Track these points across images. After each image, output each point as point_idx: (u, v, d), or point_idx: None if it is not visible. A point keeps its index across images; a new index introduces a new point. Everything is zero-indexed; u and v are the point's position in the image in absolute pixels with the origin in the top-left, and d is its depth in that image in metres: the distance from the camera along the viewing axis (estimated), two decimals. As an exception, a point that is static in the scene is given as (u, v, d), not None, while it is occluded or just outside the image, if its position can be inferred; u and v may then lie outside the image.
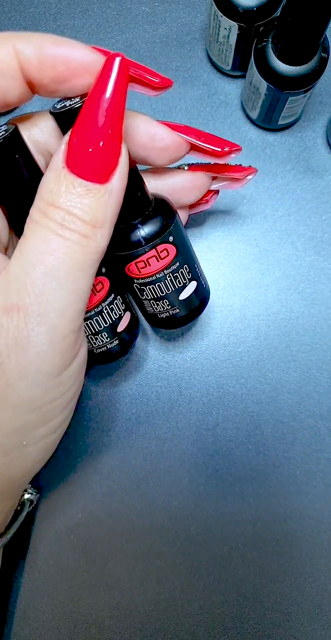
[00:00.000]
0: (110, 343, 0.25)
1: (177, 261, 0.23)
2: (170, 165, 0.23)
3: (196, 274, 0.24)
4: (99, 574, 0.30)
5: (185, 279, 0.24)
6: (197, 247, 0.30)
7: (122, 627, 0.30)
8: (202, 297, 0.25)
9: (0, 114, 0.32)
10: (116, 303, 0.24)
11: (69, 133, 0.17)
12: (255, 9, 0.27)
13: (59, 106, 0.19)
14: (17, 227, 0.21)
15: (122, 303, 0.25)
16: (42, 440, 0.20)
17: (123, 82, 0.17)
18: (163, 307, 0.24)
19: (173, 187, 0.24)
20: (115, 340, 0.25)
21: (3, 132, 0.19)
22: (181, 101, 0.33)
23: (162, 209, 0.23)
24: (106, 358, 0.25)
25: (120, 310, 0.24)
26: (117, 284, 0.24)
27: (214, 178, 0.26)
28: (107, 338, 0.24)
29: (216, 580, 0.30)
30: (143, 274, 0.23)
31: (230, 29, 0.28)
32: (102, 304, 0.23)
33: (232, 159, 0.23)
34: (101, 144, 0.17)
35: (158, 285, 0.23)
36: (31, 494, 0.28)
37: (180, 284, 0.24)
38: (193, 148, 0.23)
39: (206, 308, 0.26)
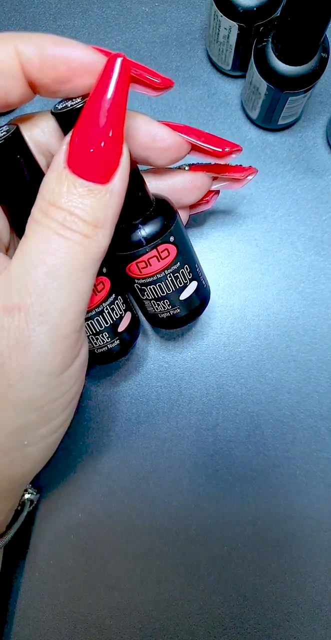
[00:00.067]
0: (111, 343, 0.25)
1: (177, 261, 0.23)
2: (170, 165, 0.23)
3: (197, 274, 0.24)
4: (99, 574, 0.30)
5: (185, 279, 0.24)
6: (197, 247, 0.30)
7: (122, 627, 0.30)
8: (202, 297, 0.25)
9: (1, 114, 0.32)
10: (117, 303, 0.24)
11: (70, 133, 0.17)
12: (255, 9, 0.27)
13: (60, 106, 0.19)
14: (18, 227, 0.21)
15: (122, 303, 0.25)
16: (43, 440, 0.20)
17: (125, 83, 0.17)
18: (164, 307, 0.24)
19: (174, 187, 0.24)
20: (116, 340, 0.25)
21: (4, 133, 0.19)
22: (181, 101, 0.33)
23: (163, 209, 0.23)
24: (107, 358, 0.25)
25: (121, 310, 0.24)
26: (118, 284, 0.24)
27: (215, 178, 0.26)
28: (107, 338, 0.24)
29: (216, 580, 0.30)
30: (144, 274, 0.23)
31: (230, 29, 0.28)
32: (103, 304, 0.23)
33: (233, 159, 0.23)
34: (102, 144, 0.17)
35: (159, 285, 0.23)
36: (31, 494, 0.28)
37: (180, 284, 0.24)
38: (194, 148, 0.23)
39: (206, 308, 0.26)
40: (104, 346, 0.25)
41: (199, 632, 0.29)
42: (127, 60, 0.17)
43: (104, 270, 0.23)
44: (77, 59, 0.17)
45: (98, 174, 0.17)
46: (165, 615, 0.30)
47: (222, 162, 0.24)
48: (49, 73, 0.18)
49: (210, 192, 0.26)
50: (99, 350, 0.25)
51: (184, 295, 0.24)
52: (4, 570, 0.30)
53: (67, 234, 0.17)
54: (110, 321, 0.24)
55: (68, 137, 0.17)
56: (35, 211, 0.17)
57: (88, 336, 0.24)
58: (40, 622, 0.30)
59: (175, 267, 0.23)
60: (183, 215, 0.26)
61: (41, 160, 0.21)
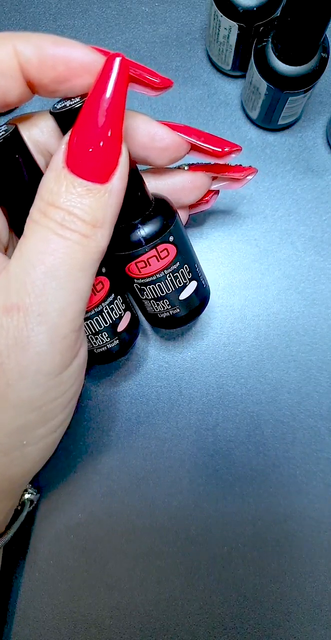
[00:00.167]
0: (111, 343, 0.25)
1: (177, 261, 0.23)
2: (170, 165, 0.23)
3: (196, 274, 0.24)
4: (99, 574, 0.30)
5: (185, 279, 0.24)
6: (197, 247, 0.30)
7: (122, 627, 0.30)
8: (202, 297, 0.25)
9: (0, 114, 0.32)
10: (116, 303, 0.24)
11: (69, 133, 0.17)
12: (255, 9, 0.27)
13: (59, 106, 0.19)
14: (17, 227, 0.21)
15: (122, 303, 0.25)
16: (42, 440, 0.20)
17: (124, 83, 0.17)
18: (164, 307, 0.24)
19: (174, 187, 0.24)
20: (116, 340, 0.25)
21: (3, 132, 0.19)
22: (181, 101, 0.33)
23: (162, 209, 0.23)
24: (106, 358, 0.25)
25: (120, 310, 0.24)
26: (117, 284, 0.24)
27: (214, 178, 0.26)
28: (107, 338, 0.24)
29: (216, 580, 0.30)
30: (144, 274, 0.23)
31: (230, 29, 0.28)
32: (102, 304, 0.23)
33: (232, 159, 0.23)
34: (101, 144, 0.17)
35: (159, 285, 0.23)
36: (31, 493, 0.28)
37: (180, 283, 0.24)
38: (194, 148, 0.23)
39: (206, 308, 0.26)
40: (104, 346, 0.25)
41: (199, 632, 0.29)
42: (126, 59, 0.17)
43: (103, 270, 0.23)
44: (76, 59, 0.17)
45: (97, 173, 0.17)
46: (165, 615, 0.30)
47: (221, 162, 0.23)
48: (48, 73, 0.18)
49: (209, 192, 0.26)
50: (99, 350, 0.25)
51: (184, 295, 0.24)
52: (4, 570, 0.30)
53: (65, 233, 0.17)
54: (109, 321, 0.24)
55: (67, 137, 0.17)
56: (34, 211, 0.17)
57: (87, 336, 0.24)
58: (40, 622, 0.30)
59: (174, 267, 0.23)
60: (182, 215, 0.26)
61: (40, 160, 0.21)
